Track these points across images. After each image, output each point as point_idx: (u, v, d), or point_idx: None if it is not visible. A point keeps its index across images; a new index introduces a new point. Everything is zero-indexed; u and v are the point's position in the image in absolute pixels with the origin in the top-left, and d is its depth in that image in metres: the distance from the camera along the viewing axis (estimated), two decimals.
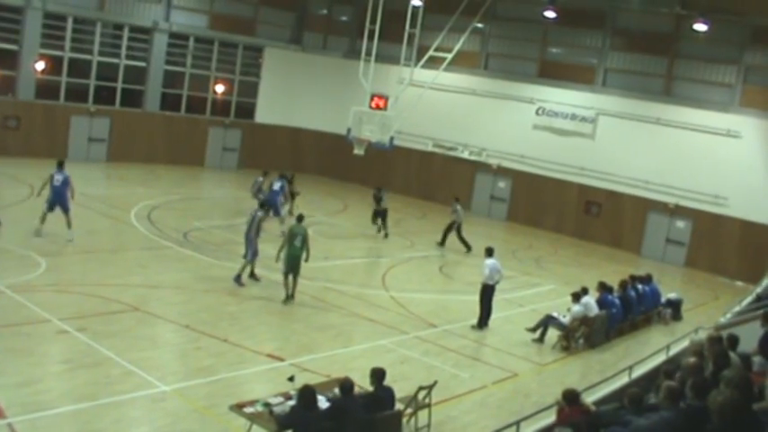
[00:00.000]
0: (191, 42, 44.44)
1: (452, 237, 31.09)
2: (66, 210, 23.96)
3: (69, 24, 39.90)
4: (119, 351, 15.46)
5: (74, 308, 17.87)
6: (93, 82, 41.34)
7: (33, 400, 13.03)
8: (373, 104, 35.67)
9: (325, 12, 48.71)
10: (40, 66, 39.41)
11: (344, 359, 16.98)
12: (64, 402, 13.20)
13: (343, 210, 37.43)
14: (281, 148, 47.15)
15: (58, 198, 23.94)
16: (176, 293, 20.39)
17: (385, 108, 35.30)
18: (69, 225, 23.93)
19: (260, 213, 22.03)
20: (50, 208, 23.92)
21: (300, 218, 21.43)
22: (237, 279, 21.55)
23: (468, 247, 30.93)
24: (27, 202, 28.62)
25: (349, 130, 35.96)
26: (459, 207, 31.30)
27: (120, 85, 42.35)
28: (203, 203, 34.84)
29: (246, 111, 47.51)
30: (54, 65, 40.11)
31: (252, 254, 21.73)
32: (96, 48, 41.10)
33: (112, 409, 13.20)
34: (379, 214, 32.01)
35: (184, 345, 16.90)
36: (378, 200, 32.03)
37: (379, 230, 31.85)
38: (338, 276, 24.03)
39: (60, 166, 24.55)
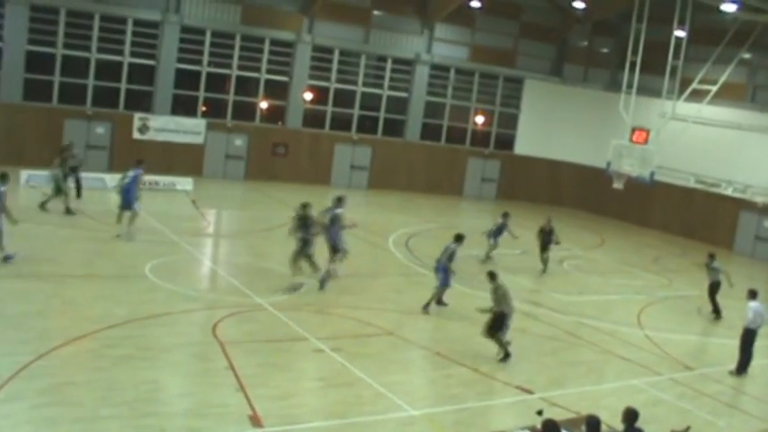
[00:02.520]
0: (452, 74, 45.38)
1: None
2: (128, 208, 25.11)
3: (335, 57, 41.93)
4: (371, 373, 15.87)
5: (331, 328, 18.58)
6: (356, 111, 43.14)
7: (288, 413, 13.61)
8: (634, 138, 35.04)
9: (585, 44, 48.19)
10: (308, 96, 41.64)
11: (595, 396, 16.64)
12: (316, 418, 13.66)
13: (601, 244, 36.76)
14: (540, 181, 47.12)
15: (125, 196, 25.16)
16: (429, 320, 20.73)
17: (646, 142, 34.56)
18: (129, 222, 25.12)
19: (453, 246, 21.71)
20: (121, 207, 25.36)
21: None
22: (425, 307, 21.30)
23: (718, 313, 25.28)
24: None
25: (608, 164, 35.47)
26: (716, 264, 25.36)
27: (382, 115, 43.94)
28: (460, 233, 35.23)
29: (506, 142, 47.81)
30: (320, 95, 42.26)
31: (442, 282, 21.53)
32: (360, 79, 42.87)
33: (361, 429, 13.52)
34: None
35: (435, 371, 17.14)
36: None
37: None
38: (592, 312, 23.61)
39: (138, 163, 26.01)
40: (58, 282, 19.64)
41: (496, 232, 28.86)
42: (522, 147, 47.65)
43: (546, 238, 28.57)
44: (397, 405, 14.60)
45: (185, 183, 34.91)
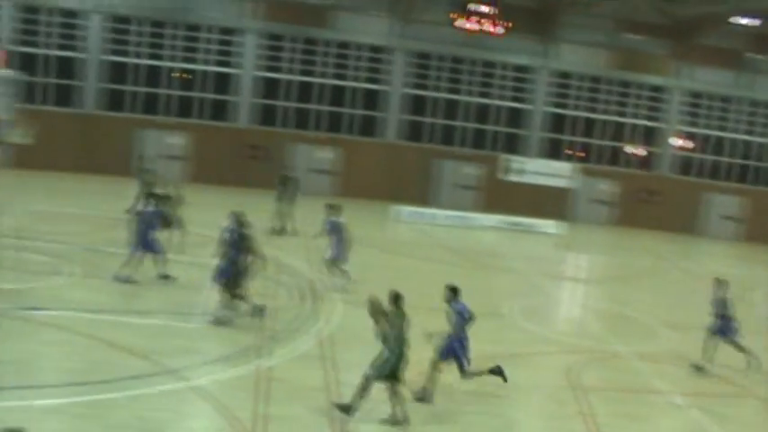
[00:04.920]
0: None
1: None
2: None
3: (708, 102, 40.42)
4: None
5: (692, 383, 17.73)
6: (730, 159, 41.26)
7: None
8: None
9: None
10: (680, 142, 40.54)
11: None
12: None
13: None
14: None
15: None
16: None
17: None
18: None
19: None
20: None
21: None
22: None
23: None
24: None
25: None
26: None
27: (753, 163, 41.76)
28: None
29: None
30: (695, 142, 41.03)
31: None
32: (734, 125, 40.99)
33: None
34: None
35: None
36: None
37: None
38: None
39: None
40: (420, 314, 20.42)
41: None
42: None
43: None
44: None
45: (551, 226, 35.12)
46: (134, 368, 14.29)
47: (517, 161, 38.61)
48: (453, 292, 14.53)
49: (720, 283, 18.28)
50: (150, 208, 19.91)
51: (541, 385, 16.46)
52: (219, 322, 17.00)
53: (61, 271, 19.86)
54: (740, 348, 18.32)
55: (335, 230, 20.95)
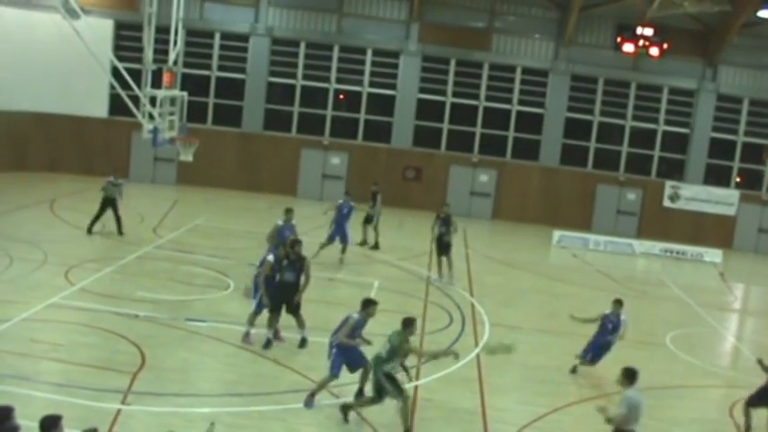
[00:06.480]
0: None
1: None
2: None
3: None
4: None
5: None
6: None
7: None
8: None
9: None
10: None
11: None
12: None
13: None
14: None
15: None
16: None
17: None
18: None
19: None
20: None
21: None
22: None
23: None
24: None
25: None
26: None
27: None
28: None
29: None
30: None
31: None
32: None
33: None
34: None
35: None
36: None
37: None
38: None
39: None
40: (580, 338, 20.06)
41: None
42: None
43: None
44: None
45: (714, 254, 33.93)
46: (288, 382, 14.60)
47: (680, 188, 37.59)
48: None
49: None
50: None
51: (700, 420, 15.85)
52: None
53: (220, 285, 20.51)
54: None
55: None
